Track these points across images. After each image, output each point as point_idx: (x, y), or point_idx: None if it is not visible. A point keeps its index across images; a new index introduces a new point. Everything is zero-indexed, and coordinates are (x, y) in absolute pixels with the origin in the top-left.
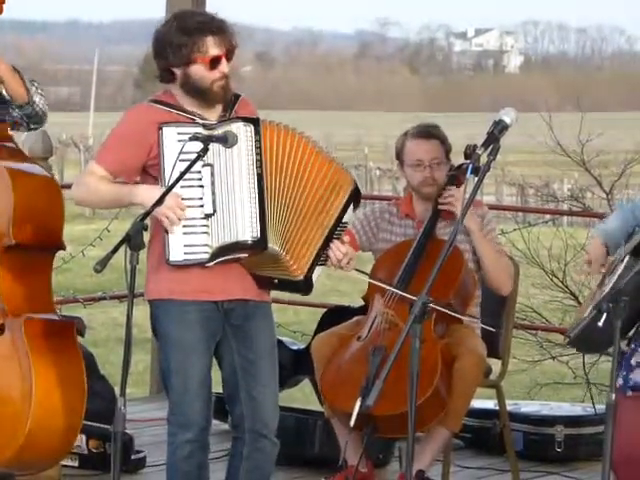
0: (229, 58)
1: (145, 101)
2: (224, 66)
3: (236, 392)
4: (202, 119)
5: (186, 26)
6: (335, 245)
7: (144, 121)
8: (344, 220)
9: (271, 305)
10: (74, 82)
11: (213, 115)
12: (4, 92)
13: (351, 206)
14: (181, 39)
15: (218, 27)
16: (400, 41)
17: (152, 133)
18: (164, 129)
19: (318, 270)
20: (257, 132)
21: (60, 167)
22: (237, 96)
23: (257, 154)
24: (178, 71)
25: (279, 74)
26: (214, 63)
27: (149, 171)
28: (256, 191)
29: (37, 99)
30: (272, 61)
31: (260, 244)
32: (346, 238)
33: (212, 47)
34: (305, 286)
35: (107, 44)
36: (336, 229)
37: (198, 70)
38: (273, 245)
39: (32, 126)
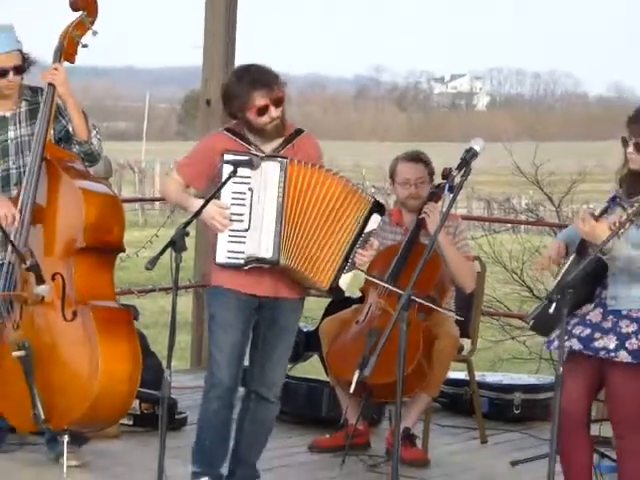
0: (278, 105)
1: (221, 128)
2: (273, 112)
3: (253, 362)
4: (257, 149)
5: (240, 82)
6: (359, 252)
7: (215, 146)
8: (369, 229)
9: (303, 302)
10: (130, 117)
11: (270, 146)
12: (70, 129)
13: (375, 216)
14: (236, 93)
15: (265, 83)
16: (390, 84)
17: (220, 156)
18: (225, 155)
19: (348, 276)
20: (282, 169)
21: (119, 185)
22: (300, 131)
23: (281, 187)
24: (240, 115)
25: (295, 111)
26: (262, 111)
27: (215, 182)
28: (275, 217)
29: (95, 141)
30: (289, 100)
31: (273, 261)
32: (374, 242)
33: (259, 98)
34: (333, 293)
35: (156, 86)
36: (357, 241)
37: (251, 116)
38: (286, 262)
39: (86, 163)
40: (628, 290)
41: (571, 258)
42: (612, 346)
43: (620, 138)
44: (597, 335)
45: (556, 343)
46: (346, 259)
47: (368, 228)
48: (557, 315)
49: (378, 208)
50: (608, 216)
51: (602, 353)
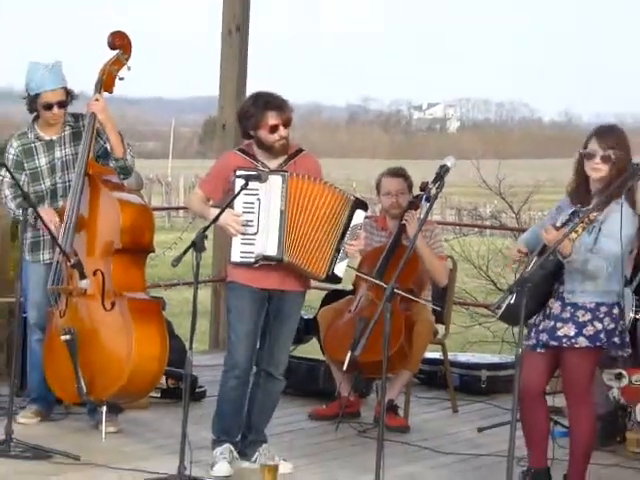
0: (286, 125)
1: (235, 149)
2: (282, 131)
3: (263, 345)
4: (264, 166)
5: (256, 104)
6: (349, 243)
7: (229, 165)
8: (355, 223)
9: (305, 294)
10: (158, 138)
11: (276, 162)
12: (108, 147)
13: (358, 211)
14: (252, 113)
15: (277, 105)
16: (377, 111)
17: (232, 172)
18: (237, 171)
19: (343, 264)
20: (284, 181)
21: (149, 196)
22: (300, 150)
23: (284, 196)
24: (252, 133)
25: (298, 134)
26: (273, 129)
27: (229, 194)
28: (278, 221)
29: (129, 157)
30: (293, 125)
31: (278, 258)
32: (362, 233)
33: (271, 119)
34: (331, 280)
35: (180, 113)
36: (345, 234)
37: (263, 134)
38: (289, 259)
39: (121, 176)
40: (583, 286)
41: (534, 260)
42: (572, 333)
43: (581, 153)
44: (559, 325)
45: (533, 340)
46: (337, 250)
47: (354, 222)
48: (519, 305)
49: (360, 205)
50: (582, 230)
51: (564, 341)
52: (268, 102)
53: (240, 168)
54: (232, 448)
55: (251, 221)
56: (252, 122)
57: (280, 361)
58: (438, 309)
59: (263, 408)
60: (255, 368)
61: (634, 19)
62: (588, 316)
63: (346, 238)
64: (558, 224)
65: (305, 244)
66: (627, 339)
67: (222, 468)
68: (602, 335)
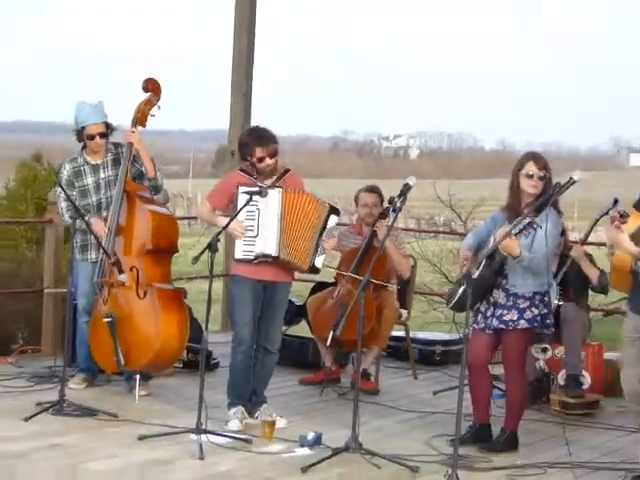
0: (272, 156)
1: (237, 169)
2: (267, 161)
3: (260, 326)
4: (261, 182)
5: (250, 136)
6: (325, 241)
7: (232, 182)
8: (330, 225)
9: (291, 283)
10: (180, 163)
11: (269, 180)
12: (143, 170)
13: (332, 216)
14: (247, 142)
15: (265, 141)
16: (354, 142)
17: (235, 188)
18: (239, 187)
19: (321, 258)
20: (280, 194)
21: (173, 208)
22: (288, 170)
23: (280, 207)
24: (248, 158)
25: (290, 159)
26: (260, 160)
27: (232, 206)
28: (277, 226)
29: (159, 178)
30: (285, 153)
31: (275, 256)
32: (335, 233)
33: (259, 152)
34: (312, 271)
35: (198, 142)
36: (322, 234)
37: (254, 161)
38: (284, 256)
39: (153, 193)
40: (524, 280)
41: (481, 260)
42: (515, 318)
43: (518, 174)
44: (505, 312)
45: (482, 324)
46: (316, 247)
47: (330, 225)
48: (466, 295)
49: (334, 211)
50: (521, 235)
51: (510, 324)
52: (260, 137)
53: (241, 184)
54: (243, 410)
55: (252, 226)
56: (247, 150)
57: (275, 339)
58: (397, 287)
59: (262, 376)
60: (255, 345)
61: (558, 63)
62: (527, 303)
63: (323, 237)
64: (513, 232)
65: (295, 244)
66: (552, 321)
67: (234, 425)
68: (538, 318)
